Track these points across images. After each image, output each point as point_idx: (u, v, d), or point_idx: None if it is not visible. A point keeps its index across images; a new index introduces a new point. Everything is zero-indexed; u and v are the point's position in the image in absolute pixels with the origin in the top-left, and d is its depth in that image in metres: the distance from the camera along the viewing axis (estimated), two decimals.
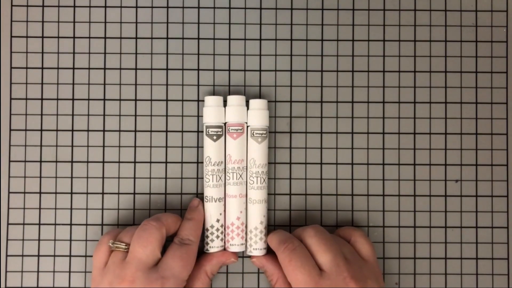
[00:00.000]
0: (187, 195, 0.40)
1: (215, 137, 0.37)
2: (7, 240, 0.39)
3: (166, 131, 0.40)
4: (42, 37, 0.40)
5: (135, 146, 0.40)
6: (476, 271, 0.40)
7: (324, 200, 0.40)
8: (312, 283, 0.33)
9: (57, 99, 0.40)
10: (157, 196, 0.39)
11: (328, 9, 0.40)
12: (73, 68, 0.40)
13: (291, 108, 0.40)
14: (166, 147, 0.40)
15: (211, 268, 0.37)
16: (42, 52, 0.40)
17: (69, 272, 0.39)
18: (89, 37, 0.40)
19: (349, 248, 0.36)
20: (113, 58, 0.40)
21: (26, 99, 0.40)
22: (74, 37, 0.40)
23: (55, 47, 0.40)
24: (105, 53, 0.40)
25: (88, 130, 0.40)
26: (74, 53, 0.40)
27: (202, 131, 0.39)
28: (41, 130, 0.40)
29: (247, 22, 0.40)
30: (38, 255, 0.39)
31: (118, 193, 0.39)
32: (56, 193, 0.39)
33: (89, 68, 0.40)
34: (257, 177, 0.38)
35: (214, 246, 0.37)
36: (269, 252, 0.38)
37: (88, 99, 0.40)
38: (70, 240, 0.39)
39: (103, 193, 0.39)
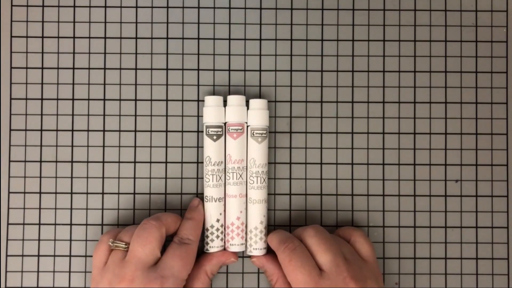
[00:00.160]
0: (187, 195, 0.40)
1: (215, 137, 0.37)
2: (7, 240, 0.39)
3: (166, 131, 0.40)
4: (42, 37, 0.40)
5: (135, 146, 0.40)
6: (476, 271, 0.40)
7: (324, 200, 0.40)
8: (312, 283, 0.33)
9: (57, 99, 0.40)
10: (157, 196, 0.39)
11: (328, 9, 0.40)
12: (73, 68, 0.40)
13: (291, 108, 0.40)
14: (166, 147, 0.40)
15: (211, 268, 0.37)
16: (42, 52, 0.40)
17: (69, 272, 0.39)
18: (89, 37, 0.40)
19: (349, 248, 0.36)
20: (113, 58, 0.40)
21: (26, 99, 0.40)
22: (74, 37, 0.40)
23: (55, 47, 0.40)
24: (105, 53, 0.40)
25: (88, 130, 0.40)
26: (74, 53, 0.40)
27: (202, 131, 0.39)
28: (41, 130, 0.40)
29: (247, 22, 0.40)
30: (38, 255, 0.39)
31: (118, 193, 0.39)
32: (56, 193, 0.39)
33: (89, 68, 0.40)
34: (257, 177, 0.38)
35: (214, 246, 0.37)
36: (269, 252, 0.38)
37: (88, 99, 0.40)
38: (70, 240, 0.39)
39: (103, 193, 0.39)
